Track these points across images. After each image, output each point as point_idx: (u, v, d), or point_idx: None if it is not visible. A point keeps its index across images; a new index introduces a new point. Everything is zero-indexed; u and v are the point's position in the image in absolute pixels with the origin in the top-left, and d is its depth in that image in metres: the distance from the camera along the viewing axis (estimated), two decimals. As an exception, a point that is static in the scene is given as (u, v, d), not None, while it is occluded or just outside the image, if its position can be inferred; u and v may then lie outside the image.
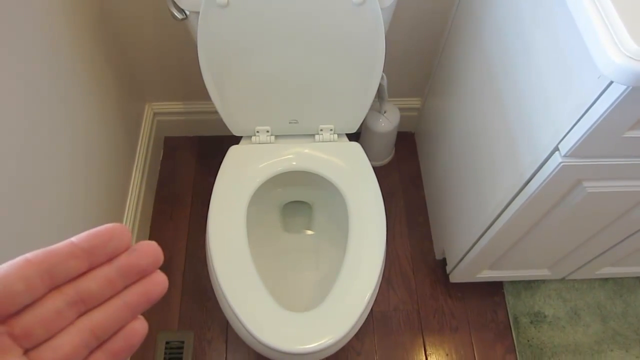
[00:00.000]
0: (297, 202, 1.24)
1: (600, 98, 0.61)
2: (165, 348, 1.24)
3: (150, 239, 1.39)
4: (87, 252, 0.23)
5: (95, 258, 0.23)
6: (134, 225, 1.29)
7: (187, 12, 0.88)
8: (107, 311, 0.23)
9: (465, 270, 1.22)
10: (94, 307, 0.23)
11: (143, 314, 0.25)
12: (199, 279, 1.35)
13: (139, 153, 1.37)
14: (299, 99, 1.02)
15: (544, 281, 1.37)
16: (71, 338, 0.22)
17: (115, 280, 0.24)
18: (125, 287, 0.24)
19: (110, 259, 0.24)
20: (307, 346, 0.86)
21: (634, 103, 0.60)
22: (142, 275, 0.24)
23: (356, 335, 1.13)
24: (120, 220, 1.24)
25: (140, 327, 0.24)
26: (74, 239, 0.23)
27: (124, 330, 0.24)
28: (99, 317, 0.23)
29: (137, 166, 1.34)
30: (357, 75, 0.97)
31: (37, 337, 0.22)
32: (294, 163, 1.07)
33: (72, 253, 0.22)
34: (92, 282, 0.23)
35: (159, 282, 0.25)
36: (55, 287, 0.22)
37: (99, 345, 0.24)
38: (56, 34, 0.91)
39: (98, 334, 0.23)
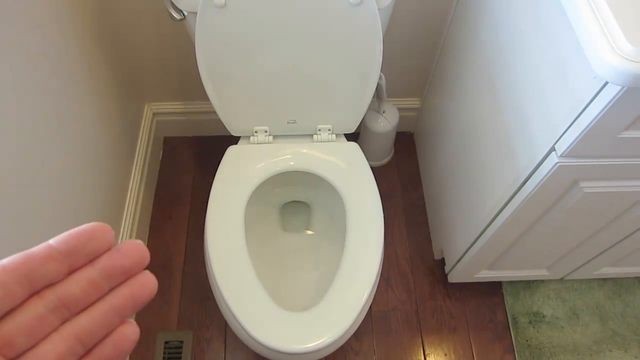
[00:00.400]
0: (295, 202, 1.24)
1: (596, 98, 0.61)
2: (164, 348, 1.24)
3: (149, 238, 1.40)
4: (65, 255, 0.21)
5: (75, 260, 0.22)
6: (133, 225, 1.30)
7: (185, 13, 0.88)
8: (92, 316, 0.22)
9: (464, 270, 1.22)
10: (79, 312, 0.22)
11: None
12: (198, 279, 1.35)
13: (139, 153, 1.37)
14: (297, 99, 1.02)
15: (542, 281, 1.37)
16: (55, 346, 0.21)
17: (99, 283, 0.22)
18: (111, 290, 0.23)
19: (91, 261, 0.22)
20: (305, 346, 0.86)
21: (629, 103, 0.60)
22: (127, 276, 0.23)
23: (355, 334, 1.13)
24: (120, 220, 1.24)
25: (130, 331, 0.23)
26: (51, 241, 0.22)
27: (112, 335, 0.23)
28: (84, 323, 0.22)
29: (136, 166, 1.35)
30: (355, 76, 0.98)
31: (19, 345, 0.21)
32: (292, 163, 1.08)
33: (50, 256, 0.21)
34: (74, 286, 0.22)
35: (146, 283, 0.23)
36: (35, 293, 0.21)
37: (87, 352, 0.22)
38: (55, 34, 0.91)
39: (84, 340, 0.22)
